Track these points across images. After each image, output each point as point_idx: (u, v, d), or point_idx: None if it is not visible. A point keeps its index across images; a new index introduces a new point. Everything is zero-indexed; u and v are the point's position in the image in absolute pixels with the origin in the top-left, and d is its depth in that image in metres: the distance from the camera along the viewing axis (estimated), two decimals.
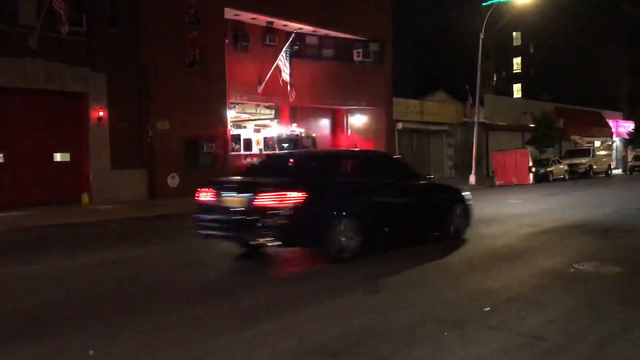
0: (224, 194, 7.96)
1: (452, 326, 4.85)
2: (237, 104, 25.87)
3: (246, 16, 24.26)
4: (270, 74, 24.98)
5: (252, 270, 7.92)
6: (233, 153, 24.11)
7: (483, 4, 36.95)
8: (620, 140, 54.40)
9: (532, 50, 69.60)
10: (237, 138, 24.72)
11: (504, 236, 10.06)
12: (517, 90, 69.96)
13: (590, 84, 59.73)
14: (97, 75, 19.14)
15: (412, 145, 32.66)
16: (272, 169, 8.98)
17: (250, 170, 11.37)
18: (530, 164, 29.49)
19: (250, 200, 7.43)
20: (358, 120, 30.59)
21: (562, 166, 33.50)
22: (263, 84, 25.38)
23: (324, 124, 30.55)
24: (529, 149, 32.64)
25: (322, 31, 27.67)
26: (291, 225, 7.29)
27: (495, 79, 71.68)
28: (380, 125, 30.32)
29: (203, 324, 5.07)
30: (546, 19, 61.85)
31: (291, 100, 24.64)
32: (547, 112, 37.71)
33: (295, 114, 27.80)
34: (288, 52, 24.32)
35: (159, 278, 7.36)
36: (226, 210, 7.81)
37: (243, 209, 7.52)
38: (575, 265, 7.31)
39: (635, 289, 6.21)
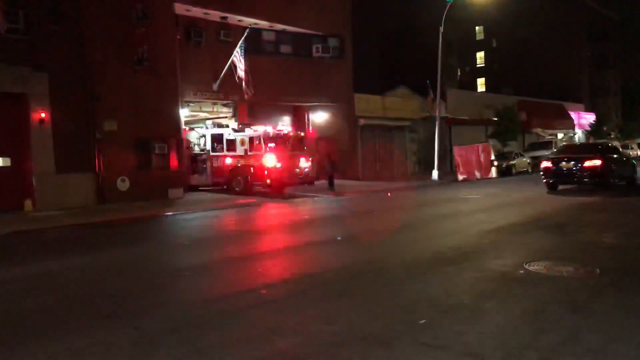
0: (561, 163, 17.39)
1: (381, 344, 4.30)
2: (191, 102, 25.04)
3: (198, 11, 23.42)
4: (226, 71, 24.19)
5: (185, 285, 7.19)
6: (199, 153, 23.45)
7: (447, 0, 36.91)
8: (582, 131, 55.04)
9: (495, 45, 70.00)
10: (219, 138, 23.00)
11: (455, 235, 9.59)
12: (481, 84, 70.27)
13: (552, 77, 60.34)
14: (38, 75, 18.09)
15: (375, 142, 32.19)
16: (577, 151, 19.22)
17: (564, 151, 19.80)
18: (493, 157, 29.32)
19: (579, 164, 16.90)
20: (320, 117, 30.03)
21: (524, 159, 33.47)
22: (218, 81, 24.58)
23: (285, 121, 29.88)
24: (491, 142, 32.49)
25: (279, 26, 26.98)
26: (596, 175, 16.68)
27: (459, 73, 71.94)
28: (342, 121, 29.84)
29: (90, 355, 4.39)
30: (508, 13, 62.27)
31: (247, 97, 23.84)
32: (509, 106, 37.70)
33: (254, 111, 27.07)
34: (243, 48, 23.55)
35: (71, 294, 6.61)
36: (563, 169, 17.22)
37: (574, 169, 17.01)
38: (525, 267, 6.85)
39: (586, 292, 5.74)
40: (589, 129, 53.80)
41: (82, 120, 19.35)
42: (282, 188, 21.85)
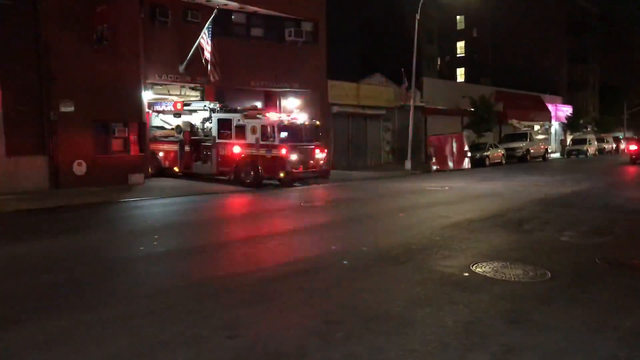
0: None
1: None
2: (156, 84, 24.20)
3: None
4: (194, 53, 23.36)
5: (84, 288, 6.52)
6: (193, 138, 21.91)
7: None
8: (560, 124, 55.04)
9: (475, 35, 69.68)
10: (226, 124, 20.44)
11: (406, 230, 9.05)
12: (460, 74, 69.99)
13: (532, 69, 60.22)
14: None
15: (348, 130, 31.60)
16: None
17: None
18: (466, 148, 28.92)
19: None
20: (292, 103, 29.27)
21: (499, 150, 33.15)
22: (185, 64, 23.76)
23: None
24: (465, 133, 32.08)
25: (250, 8, 26.13)
26: None
27: (439, 63, 71.58)
28: (315, 108, 29.08)
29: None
30: (489, 3, 61.90)
31: (213, 80, 23.04)
32: (486, 96, 37.31)
33: (223, 96, 26.24)
34: (210, 30, 22.71)
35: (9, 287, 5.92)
36: None
37: None
38: (472, 268, 6.33)
39: (532, 299, 5.23)
40: (565, 121, 53.80)
41: (36, 101, 18.44)
42: (295, 181, 20.11)
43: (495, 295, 5.35)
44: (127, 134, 20.52)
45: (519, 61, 60.37)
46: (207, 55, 22.77)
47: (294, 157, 19.41)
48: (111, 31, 19.68)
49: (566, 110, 55.22)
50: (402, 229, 9.18)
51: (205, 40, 22.77)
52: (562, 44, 63.41)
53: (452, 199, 13.93)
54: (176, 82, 24.54)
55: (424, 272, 6.17)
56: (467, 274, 6.09)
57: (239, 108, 21.93)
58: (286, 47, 27.67)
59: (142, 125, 21.65)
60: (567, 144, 47.89)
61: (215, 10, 22.70)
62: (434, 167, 28.20)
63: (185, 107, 22.18)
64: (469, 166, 28.80)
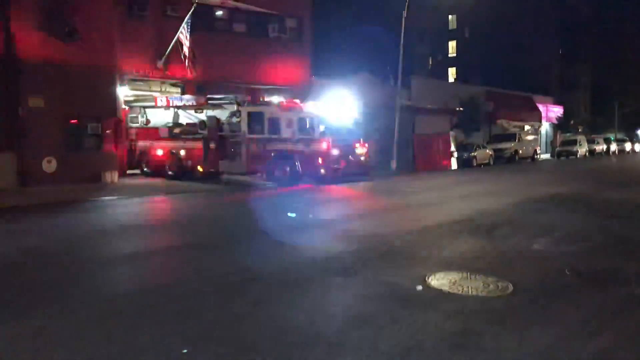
0: None
1: None
2: (134, 80, 23.60)
3: None
4: (173, 48, 22.78)
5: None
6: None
7: None
8: (550, 125, 54.66)
9: (467, 34, 69.21)
10: (258, 117, 18.84)
11: (368, 236, 8.46)
12: (452, 74, 69.54)
13: (523, 69, 59.77)
14: None
15: None
16: None
17: None
18: (453, 148, 28.43)
19: None
20: (276, 100, 28.65)
21: (487, 151, 32.67)
22: (163, 58, 23.19)
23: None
24: (453, 133, 31.58)
25: (233, 3, 25.52)
26: None
27: (430, 62, 71.16)
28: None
29: None
30: (481, 3, 61.42)
31: (191, 76, 22.54)
32: (475, 95, 36.83)
33: (204, 92, 25.62)
34: (189, 24, 22.12)
35: None
36: None
37: None
38: (428, 280, 5.77)
39: (485, 318, 4.68)
40: (556, 122, 53.43)
41: (3, 95, 17.83)
42: (337, 178, 18.94)
43: (446, 313, 4.79)
44: (100, 131, 19.89)
45: (510, 61, 59.90)
46: (186, 50, 22.22)
47: (335, 152, 18.38)
48: (84, 24, 19.10)
49: (557, 111, 54.85)
50: (367, 235, 8.60)
51: (184, 35, 22.22)
52: (554, 44, 63.06)
53: (428, 200, 13.39)
54: (155, 77, 23.98)
55: (374, 285, 5.60)
56: (420, 288, 5.53)
57: (270, 100, 20.68)
58: (270, 44, 27.12)
59: (117, 122, 21.05)
60: (558, 145, 47.51)
61: (194, 4, 22.10)
62: (419, 167, 27.68)
63: (209, 102, 20.62)
64: (456, 166, 28.31)
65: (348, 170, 19.17)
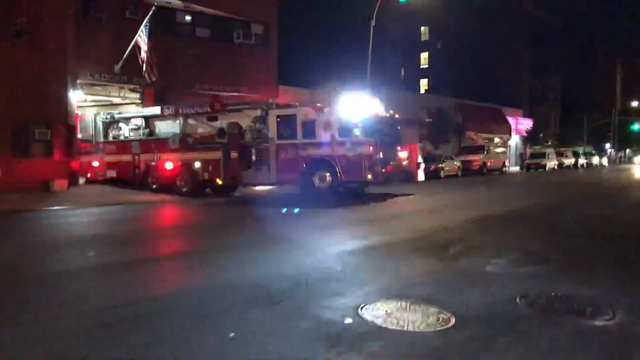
0: None
1: None
2: (89, 84, 22.68)
3: None
4: (133, 53, 21.95)
5: None
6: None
7: (400, 0, 35.34)
8: (520, 137, 54.89)
9: (439, 46, 69.45)
10: (289, 122, 17.51)
11: (307, 256, 7.76)
12: (423, 85, 69.65)
13: (493, 81, 60.08)
14: None
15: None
16: None
17: None
18: (420, 160, 28.01)
19: None
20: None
21: (455, 163, 32.36)
22: (121, 63, 22.35)
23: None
24: (420, 144, 31.21)
25: (196, 8, 24.83)
26: None
27: (402, 73, 71.18)
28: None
29: None
30: (454, 15, 61.68)
31: (149, 81, 21.67)
32: (445, 107, 36.63)
33: (164, 99, 24.79)
34: (148, 28, 21.33)
35: None
36: None
37: None
38: (361, 312, 5.09)
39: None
40: (526, 135, 53.69)
41: None
42: (383, 183, 18.07)
43: (372, 355, 4.11)
44: (49, 137, 18.94)
45: (481, 73, 60.18)
46: (144, 54, 21.42)
47: (382, 155, 17.14)
48: (33, 25, 18.19)
49: (527, 124, 55.15)
50: (303, 254, 7.91)
51: (142, 38, 21.42)
52: (524, 57, 63.59)
53: (382, 215, 12.78)
54: (111, 82, 23.13)
55: (298, 318, 4.90)
56: (350, 321, 4.84)
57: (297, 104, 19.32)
58: (234, 50, 26.45)
59: (70, 128, 20.12)
60: (527, 157, 47.63)
61: (153, 7, 21.34)
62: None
63: (226, 108, 19.33)
64: (423, 178, 27.89)
65: (394, 177, 18.17)
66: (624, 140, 78.28)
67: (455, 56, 64.39)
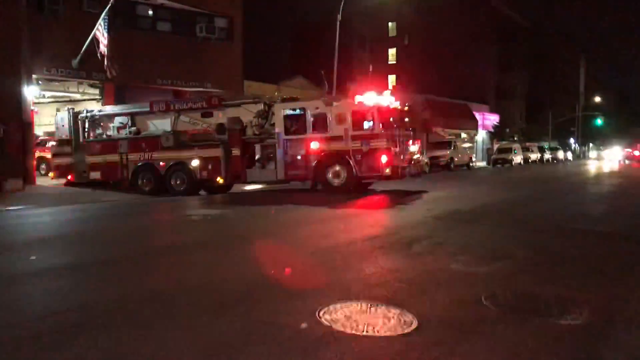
0: None
1: None
2: (46, 79, 21.87)
3: None
4: (90, 47, 21.21)
5: None
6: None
7: None
8: (487, 132, 55.38)
9: (406, 42, 69.66)
10: (298, 116, 16.93)
11: (263, 259, 7.45)
12: (392, 81, 69.76)
13: (461, 77, 60.51)
14: None
15: None
16: None
17: None
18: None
19: None
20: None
21: (422, 158, 32.29)
22: (79, 57, 21.60)
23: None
24: None
25: (157, 0, 24.20)
26: None
27: (371, 69, 71.16)
28: None
29: None
30: (421, 10, 61.85)
31: (110, 76, 20.99)
32: (411, 103, 36.54)
33: (124, 94, 24.11)
34: (107, 21, 20.62)
35: None
36: None
37: None
38: (319, 315, 4.77)
39: None
40: (492, 130, 54.19)
41: None
42: (401, 178, 16.99)
43: None
44: (2, 134, 18.19)
45: (448, 69, 60.54)
46: (103, 48, 20.74)
47: (397, 149, 16.23)
48: None
49: (493, 119, 55.67)
50: (270, 254, 7.58)
51: (101, 32, 20.71)
52: (491, 54, 64.20)
53: (347, 213, 12.49)
54: (69, 77, 22.36)
55: (251, 324, 4.55)
56: (305, 325, 4.53)
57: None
58: (198, 44, 25.88)
59: (25, 125, 19.37)
60: (494, 152, 48.05)
61: (112, 0, 20.63)
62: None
63: (223, 103, 18.38)
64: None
65: (409, 171, 17.41)
66: (588, 135, 79.82)
67: (422, 52, 64.62)
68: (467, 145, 40.86)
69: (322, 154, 16.44)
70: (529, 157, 51.13)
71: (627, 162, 55.13)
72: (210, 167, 17.74)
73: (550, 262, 7.38)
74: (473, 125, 51.29)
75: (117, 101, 23.49)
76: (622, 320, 4.97)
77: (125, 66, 22.12)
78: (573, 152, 74.60)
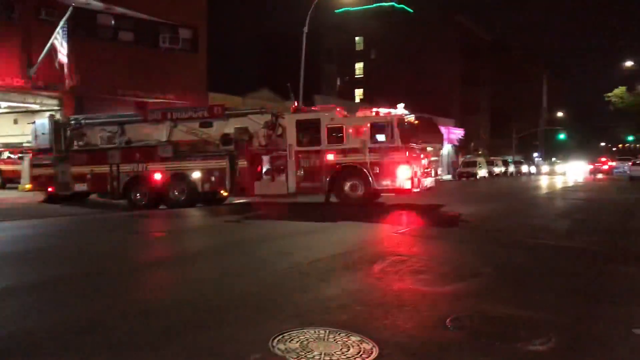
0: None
1: None
2: (5, 91, 21.11)
3: None
4: (48, 56, 20.58)
5: None
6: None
7: (336, 11, 35.00)
8: (452, 146, 55.86)
9: (373, 56, 70.11)
10: (311, 127, 16.58)
11: (224, 279, 7.04)
12: (359, 94, 70.03)
13: (426, 91, 61.02)
14: None
15: None
16: None
17: None
18: None
19: None
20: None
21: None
22: (35, 67, 20.92)
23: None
24: None
25: (119, 10, 23.64)
26: None
27: (338, 82, 71.34)
28: None
29: None
30: (387, 26, 62.32)
31: (68, 87, 20.35)
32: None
33: (84, 105, 23.42)
34: (65, 30, 20.06)
35: None
36: None
37: None
38: (272, 345, 4.42)
39: None
40: (457, 144, 54.68)
41: None
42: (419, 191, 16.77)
43: None
44: None
45: (414, 83, 61.04)
46: (62, 58, 20.13)
47: (416, 162, 16.11)
48: None
49: (458, 133, 56.19)
50: (224, 275, 7.19)
51: (59, 41, 20.12)
52: (456, 69, 65.00)
53: (310, 228, 12.15)
54: (25, 88, 21.57)
55: (196, 355, 4.18)
56: (258, 356, 4.17)
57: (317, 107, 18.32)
58: (161, 54, 25.41)
59: None
60: (459, 166, 48.42)
61: (70, 8, 20.08)
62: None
63: (226, 112, 17.79)
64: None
65: (426, 184, 17.28)
66: (551, 149, 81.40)
67: (389, 66, 65.05)
68: (432, 159, 41.01)
69: (338, 166, 16.20)
70: (494, 171, 51.74)
71: (598, 175, 55.95)
72: (213, 179, 17.14)
73: (515, 279, 7.18)
74: (438, 139, 51.63)
75: (77, 112, 22.75)
76: (590, 342, 4.75)
77: (85, 77, 21.51)
78: (536, 165, 75.94)
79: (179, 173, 17.42)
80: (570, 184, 38.19)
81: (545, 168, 59.93)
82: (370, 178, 15.86)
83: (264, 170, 17.12)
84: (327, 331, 4.76)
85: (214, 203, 18.28)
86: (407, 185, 15.75)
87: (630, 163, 46.31)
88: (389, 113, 16.33)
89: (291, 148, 16.57)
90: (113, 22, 24.09)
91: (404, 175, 15.62)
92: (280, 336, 4.59)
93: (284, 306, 5.57)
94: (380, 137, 15.95)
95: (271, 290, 6.27)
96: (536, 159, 78.19)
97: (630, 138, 77.81)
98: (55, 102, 23.82)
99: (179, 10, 25.35)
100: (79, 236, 11.92)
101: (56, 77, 20.59)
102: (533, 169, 67.71)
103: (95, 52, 22.69)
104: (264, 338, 4.53)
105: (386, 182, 15.90)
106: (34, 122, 19.19)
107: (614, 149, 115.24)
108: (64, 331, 4.77)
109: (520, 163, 63.53)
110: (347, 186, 16.25)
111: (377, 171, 15.80)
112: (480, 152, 57.57)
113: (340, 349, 4.38)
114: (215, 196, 18.17)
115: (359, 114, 16.77)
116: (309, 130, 16.70)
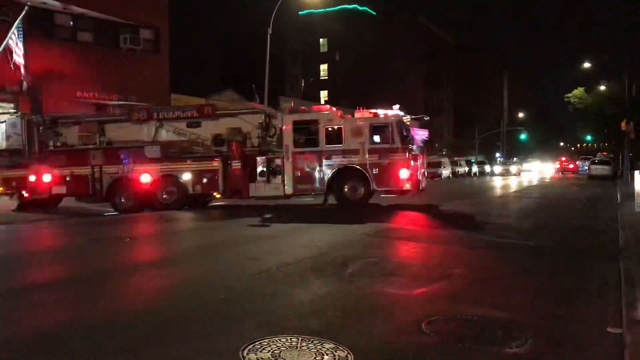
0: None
1: None
2: None
3: None
4: (2, 57, 19.82)
5: None
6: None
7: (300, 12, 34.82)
8: (416, 147, 56.28)
9: (338, 58, 70.23)
10: (307, 129, 16.25)
11: (187, 286, 6.80)
12: (324, 96, 70.01)
13: (391, 93, 61.31)
14: None
15: None
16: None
17: None
18: None
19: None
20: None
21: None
22: None
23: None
24: None
25: (77, 9, 23.01)
26: None
27: (303, 84, 71.23)
28: None
29: None
30: (351, 27, 62.51)
31: (24, 88, 19.67)
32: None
33: (40, 108, 22.66)
34: (21, 29, 19.38)
35: None
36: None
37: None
38: (243, 354, 4.22)
39: None
40: (421, 145, 55.13)
41: None
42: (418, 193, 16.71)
43: None
44: None
45: (378, 85, 61.32)
46: (17, 59, 19.44)
47: (415, 163, 15.94)
48: None
49: (422, 134, 56.54)
50: (191, 282, 6.93)
51: (14, 41, 19.41)
52: (419, 70, 65.58)
53: (278, 232, 11.94)
54: None
55: None
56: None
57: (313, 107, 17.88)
58: (121, 55, 24.81)
59: None
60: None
61: (25, 8, 19.42)
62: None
63: (218, 113, 17.23)
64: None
65: (423, 185, 17.25)
66: (513, 149, 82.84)
67: (353, 68, 65.22)
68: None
69: (337, 167, 15.99)
70: (458, 171, 52.29)
71: (562, 173, 58.20)
72: (205, 180, 16.60)
73: (487, 280, 7.13)
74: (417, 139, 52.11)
75: (34, 115, 22.02)
76: (568, 343, 4.70)
77: (42, 78, 20.84)
78: (499, 165, 77.10)
79: (168, 175, 16.81)
80: (535, 182, 38.93)
81: (498, 169, 60.31)
82: (370, 179, 15.75)
83: (259, 171, 16.64)
84: (300, 339, 4.59)
85: (201, 206, 17.83)
86: (408, 186, 15.73)
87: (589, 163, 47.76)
88: (386, 114, 16.30)
89: (288, 149, 16.29)
90: (72, 22, 23.40)
91: (404, 177, 15.56)
92: (251, 345, 4.39)
93: (254, 314, 5.35)
94: (379, 139, 15.89)
95: (240, 297, 6.06)
96: (498, 159, 79.50)
97: (589, 138, 79.76)
98: (10, 105, 23.00)
99: (139, 10, 24.79)
100: (39, 242, 11.48)
101: (9, 79, 19.85)
102: (496, 169, 68.79)
103: (53, 52, 21.98)
104: (234, 348, 4.33)
105: (386, 184, 15.83)
106: (4, 122, 18.35)
107: (572, 148, 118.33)
108: (12, 347, 4.47)
109: (484, 163, 64.42)
110: (346, 188, 16.07)
111: (377, 172, 15.68)
112: (444, 153, 58.15)
113: (314, 357, 4.21)
114: (206, 198, 17.76)
115: (357, 114, 16.52)
116: (305, 132, 16.43)
